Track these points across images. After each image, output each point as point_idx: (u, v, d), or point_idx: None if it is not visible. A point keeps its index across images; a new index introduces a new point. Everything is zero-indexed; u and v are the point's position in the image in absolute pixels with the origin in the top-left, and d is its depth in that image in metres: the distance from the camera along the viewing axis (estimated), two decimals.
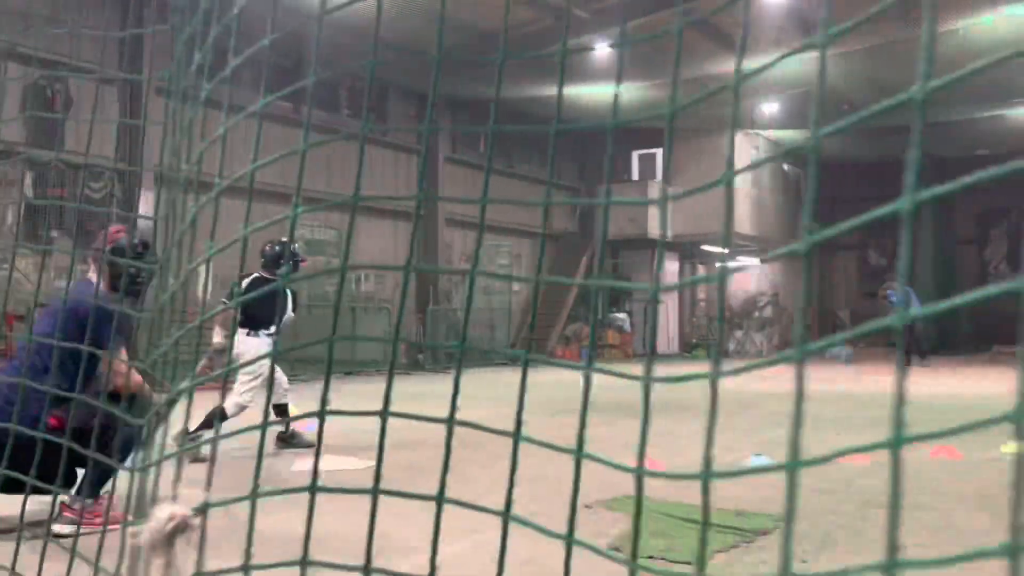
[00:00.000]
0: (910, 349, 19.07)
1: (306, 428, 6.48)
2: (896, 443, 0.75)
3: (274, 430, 6.36)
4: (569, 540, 1.14)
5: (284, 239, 6.63)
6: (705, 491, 0.95)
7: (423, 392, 8.43)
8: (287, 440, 6.39)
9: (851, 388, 12.22)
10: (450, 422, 1.33)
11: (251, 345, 6.27)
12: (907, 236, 0.79)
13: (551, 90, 15.40)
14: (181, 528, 1.29)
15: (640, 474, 1.06)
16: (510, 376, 13.24)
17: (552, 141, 1.31)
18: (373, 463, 1.99)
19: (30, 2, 11.88)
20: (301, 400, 6.82)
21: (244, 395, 6.15)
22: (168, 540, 1.29)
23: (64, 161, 10.80)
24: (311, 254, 13.25)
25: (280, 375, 6.50)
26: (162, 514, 1.30)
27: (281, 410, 6.36)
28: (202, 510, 1.32)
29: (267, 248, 6.68)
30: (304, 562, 1.25)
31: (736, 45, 15.61)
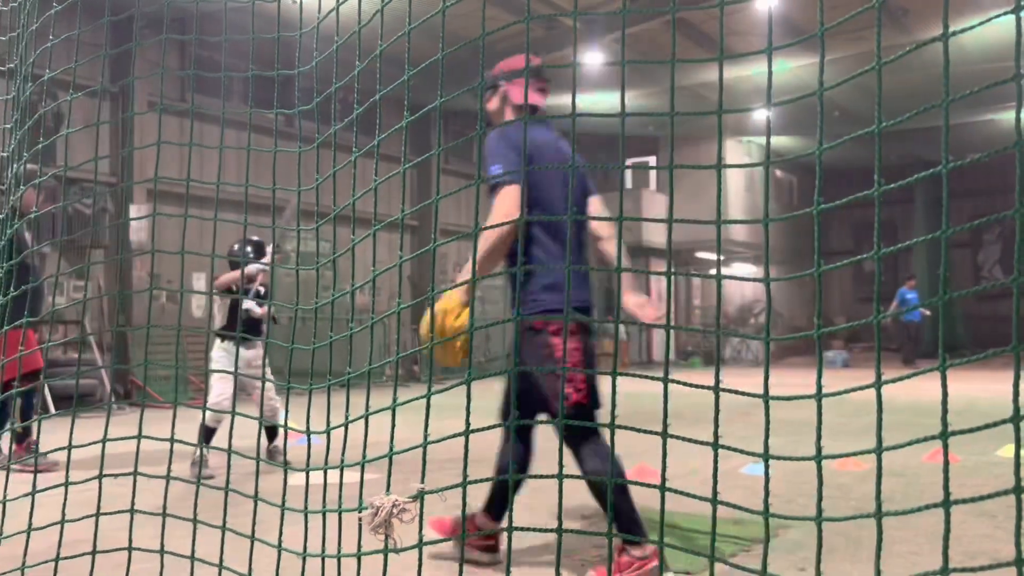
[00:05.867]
0: (910, 349, 19.12)
1: (296, 442, 6.37)
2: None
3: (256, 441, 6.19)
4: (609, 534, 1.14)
5: (254, 237, 6.25)
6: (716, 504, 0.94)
7: (420, 404, 8.30)
8: (271, 453, 6.11)
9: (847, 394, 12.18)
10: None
11: (213, 356, 5.97)
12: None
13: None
14: (399, 511, 1.74)
15: (663, 490, 1.06)
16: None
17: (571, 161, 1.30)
18: (379, 475, 1.97)
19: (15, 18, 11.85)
20: (297, 411, 6.72)
21: (214, 402, 5.69)
22: (388, 520, 1.73)
23: (57, 177, 10.77)
24: (302, 266, 13.10)
25: (267, 392, 5.83)
26: (384, 501, 1.74)
27: (270, 431, 6.14)
28: (417, 497, 1.75)
29: (236, 248, 6.15)
30: (509, 529, 1.75)
31: (733, 54, 15.72)
